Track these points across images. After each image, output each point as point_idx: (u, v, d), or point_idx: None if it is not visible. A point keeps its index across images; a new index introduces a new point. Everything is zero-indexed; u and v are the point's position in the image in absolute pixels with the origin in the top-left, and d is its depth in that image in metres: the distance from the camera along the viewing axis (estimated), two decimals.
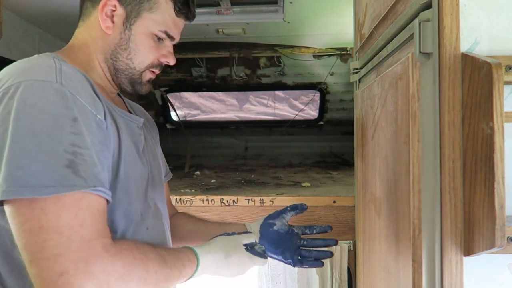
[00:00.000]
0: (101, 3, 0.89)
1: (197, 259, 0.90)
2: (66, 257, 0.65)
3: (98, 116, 0.77)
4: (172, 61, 0.97)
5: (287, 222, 1.17)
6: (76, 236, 0.66)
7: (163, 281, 0.78)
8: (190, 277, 0.88)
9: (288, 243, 1.13)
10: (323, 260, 1.17)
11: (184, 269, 0.85)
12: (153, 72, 0.97)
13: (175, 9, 0.93)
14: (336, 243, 1.21)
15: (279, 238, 1.13)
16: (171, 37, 0.95)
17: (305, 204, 1.19)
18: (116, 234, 0.82)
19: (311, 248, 1.16)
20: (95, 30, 0.91)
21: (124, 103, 1.06)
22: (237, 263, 0.98)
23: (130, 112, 1.03)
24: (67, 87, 0.74)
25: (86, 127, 0.73)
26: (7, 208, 0.68)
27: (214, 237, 1.01)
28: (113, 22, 0.90)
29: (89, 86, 0.80)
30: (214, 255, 0.94)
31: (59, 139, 0.69)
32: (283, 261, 1.14)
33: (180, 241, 1.14)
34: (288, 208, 1.17)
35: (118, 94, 1.04)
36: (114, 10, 0.89)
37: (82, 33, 0.93)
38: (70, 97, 0.73)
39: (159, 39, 0.94)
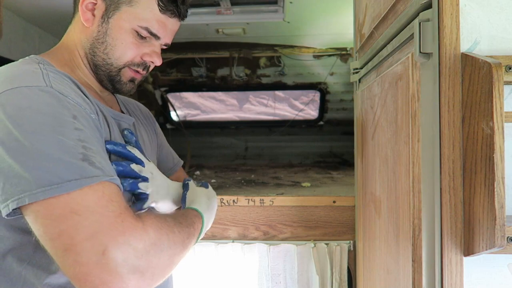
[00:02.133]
0: None
1: (199, 212, 0.91)
2: (104, 234, 0.62)
3: (92, 115, 0.76)
4: (157, 62, 0.92)
5: None
6: (107, 211, 0.65)
7: (186, 239, 0.78)
8: (200, 233, 0.88)
9: None
10: None
11: (195, 225, 0.86)
12: (136, 72, 0.92)
13: (158, 5, 0.87)
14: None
15: None
16: (155, 36, 0.89)
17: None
18: None
19: None
20: (79, 24, 0.89)
21: (117, 100, 1.03)
22: (216, 204, 1.05)
23: (122, 111, 1.01)
24: (57, 89, 0.73)
25: (85, 124, 0.72)
26: (28, 212, 0.64)
27: (184, 192, 1.01)
28: (94, 15, 0.87)
29: (77, 88, 0.79)
30: (205, 203, 0.97)
31: (66, 135, 0.67)
32: None
33: None
34: None
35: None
36: (95, 3, 0.87)
37: (71, 29, 0.92)
38: (63, 98, 0.72)
39: (143, 37, 0.88)
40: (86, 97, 0.80)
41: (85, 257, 0.61)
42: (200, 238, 0.89)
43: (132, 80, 0.93)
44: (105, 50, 0.88)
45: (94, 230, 0.62)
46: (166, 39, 0.92)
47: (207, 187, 1.07)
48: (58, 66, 0.86)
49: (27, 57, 0.85)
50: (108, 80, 0.91)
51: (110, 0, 0.87)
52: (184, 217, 0.85)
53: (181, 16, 0.92)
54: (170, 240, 0.72)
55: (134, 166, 0.86)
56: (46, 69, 0.78)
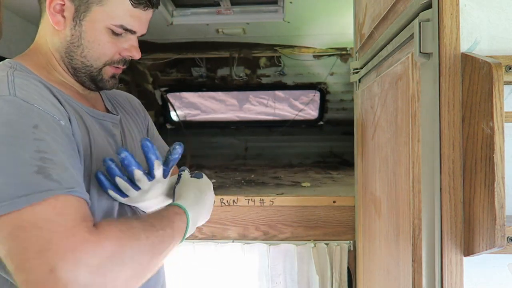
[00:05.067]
0: None
1: (184, 209, 0.84)
2: (52, 251, 0.59)
3: (62, 122, 0.73)
4: (136, 56, 0.90)
5: None
6: (56, 226, 0.62)
7: (158, 243, 0.73)
8: (185, 232, 0.82)
9: None
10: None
11: (175, 224, 0.80)
12: (117, 67, 0.91)
13: (130, 0, 0.85)
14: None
15: None
16: (130, 31, 0.87)
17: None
18: None
19: None
20: (49, 26, 0.86)
21: (101, 97, 1.00)
22: (210, 197, 0.96)
23: (107, 108, 0.98)
24: (22, 97, 0.71)
25: (49, 132, 0.69)
26: None
27: (175, 185, 0.94)
28: (64, 17, 0.84)
29: (49, 93, 0.77)
30: (194, 197, 0.89)
31: (23, 147, 0.65)
32: None
33: None
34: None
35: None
36: (63, 4, 0.83)
37: (41, 31, 0.89)
38: (26, 106, 0.70)
39: (118, 34, 0.86)
40: (59, 102, 0.77)
41: (33, 276, 0.59)
42: (187, 236, 0.84)
43: (113, 76, 0.91)
44: (82, 53, 0.86)
45: (41, 247, 0.60)
46: (142, 30, 0.90)
47: (200, 177, 0.99)
48: (34, 69, 0.84)
49: (2, 62, 0.83)
50: (90, 80, 0.89)
51: (80, 1, 0.83)
52: (161, 217, 0.79)
53: (154, 5, 0.89)
54: (134, 250, 0.68)
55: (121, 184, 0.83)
56: (13, 75, 0.76)
